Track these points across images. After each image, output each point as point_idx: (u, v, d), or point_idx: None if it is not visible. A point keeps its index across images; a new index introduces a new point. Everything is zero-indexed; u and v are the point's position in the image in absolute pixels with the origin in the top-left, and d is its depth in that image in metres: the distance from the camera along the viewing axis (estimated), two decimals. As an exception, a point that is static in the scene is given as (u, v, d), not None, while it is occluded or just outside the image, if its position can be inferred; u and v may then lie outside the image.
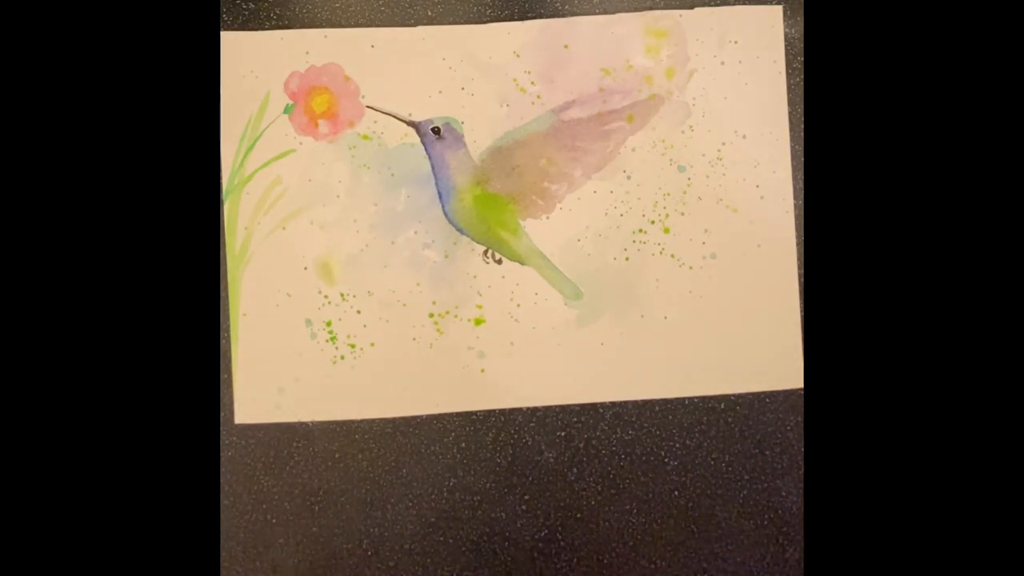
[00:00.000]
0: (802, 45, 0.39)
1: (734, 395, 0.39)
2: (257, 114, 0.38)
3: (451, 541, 0.39)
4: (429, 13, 0.39)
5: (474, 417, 0.39)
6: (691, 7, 0.39)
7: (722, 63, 0.39)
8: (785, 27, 0.39)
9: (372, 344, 0.39)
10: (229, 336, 0.38)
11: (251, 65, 0.38)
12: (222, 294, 0.38)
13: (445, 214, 0.39)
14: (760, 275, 0.39)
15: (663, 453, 0.39)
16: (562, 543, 0.39)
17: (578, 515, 0.39)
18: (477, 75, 0.38)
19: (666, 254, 0.39)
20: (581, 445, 0.39)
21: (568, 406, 0.39)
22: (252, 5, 0.39)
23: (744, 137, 0.39)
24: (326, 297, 0.39)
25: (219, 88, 0.38)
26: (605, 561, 0.39)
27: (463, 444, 0.39)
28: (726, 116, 0.39)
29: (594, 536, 0.39)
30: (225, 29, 0.38)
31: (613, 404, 0.39)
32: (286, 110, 0.38)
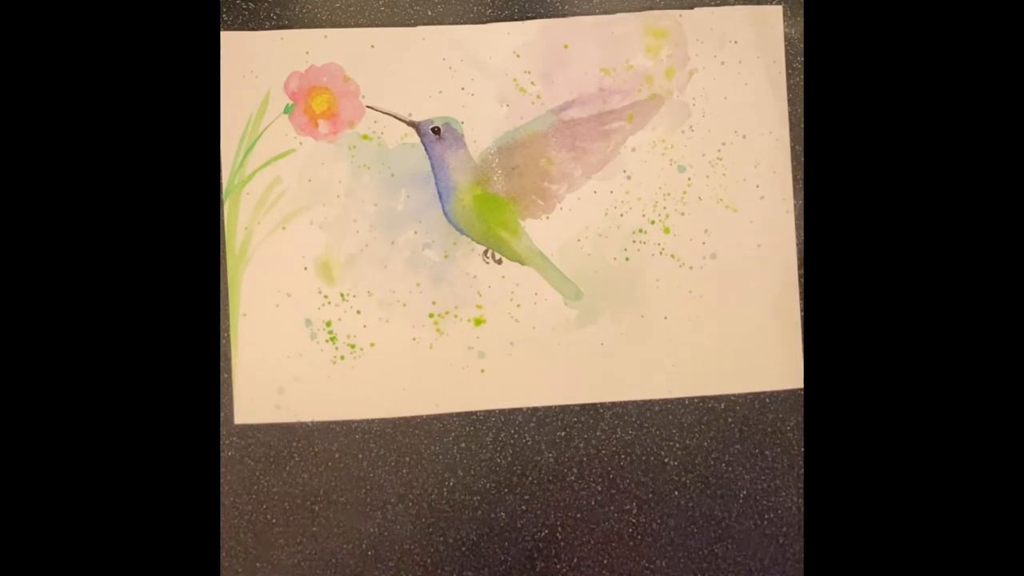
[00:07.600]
0: (802, 45, 0.39)
1: (734, 395, 0.39)
2: (257, 114, 0.38)
3: (451, 541, 0.39)
4: (429, 13, 0.39)
5: (474, 417, 0.39)
6: (691, 7, 0.39)
7: (722, 63, 0.39)
8: (785, 27, 0.39)
9: (372, 344, 0.39)
10: (229, 336, 0.38)
11: (251, 65, 0.38)
12: (222, 294, 0.38)
13: (445, 214, 0.39)
14: (760, 275, 0.39)
15: (663, 453, 0.39)
16: (562, 543, 0.39)
17: (578, 515, 0.39)
18: (477, 75, 0.38)
19: (666, 254, 0.39)
20: (581, 445, 0.39)
21: (568, 406, 0.39)
22: (252, 5, 0.39)
23: (744, 137, 0.39)
24: (326, 297, 0.39)
25: (219, 88, 0.38)
26: (605, 561, 0.39)
27: (463, 444, 0.39)
28: (726, 116, 0.39)
29: (594, 536, 0.39)
30: (225, 29, 0.38)
31: (613, 404, 0.39)
32: (286, 110, 0.38)
